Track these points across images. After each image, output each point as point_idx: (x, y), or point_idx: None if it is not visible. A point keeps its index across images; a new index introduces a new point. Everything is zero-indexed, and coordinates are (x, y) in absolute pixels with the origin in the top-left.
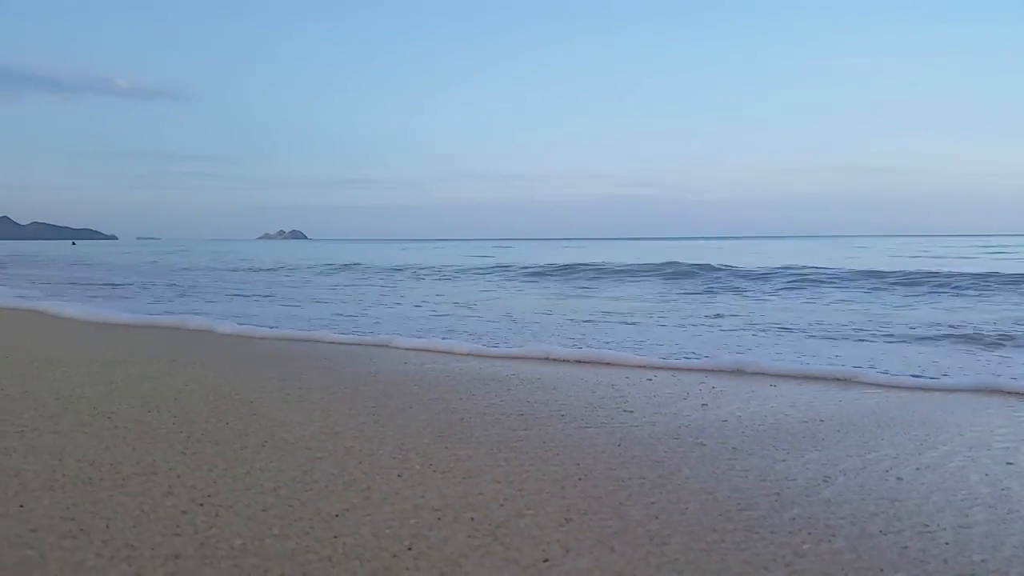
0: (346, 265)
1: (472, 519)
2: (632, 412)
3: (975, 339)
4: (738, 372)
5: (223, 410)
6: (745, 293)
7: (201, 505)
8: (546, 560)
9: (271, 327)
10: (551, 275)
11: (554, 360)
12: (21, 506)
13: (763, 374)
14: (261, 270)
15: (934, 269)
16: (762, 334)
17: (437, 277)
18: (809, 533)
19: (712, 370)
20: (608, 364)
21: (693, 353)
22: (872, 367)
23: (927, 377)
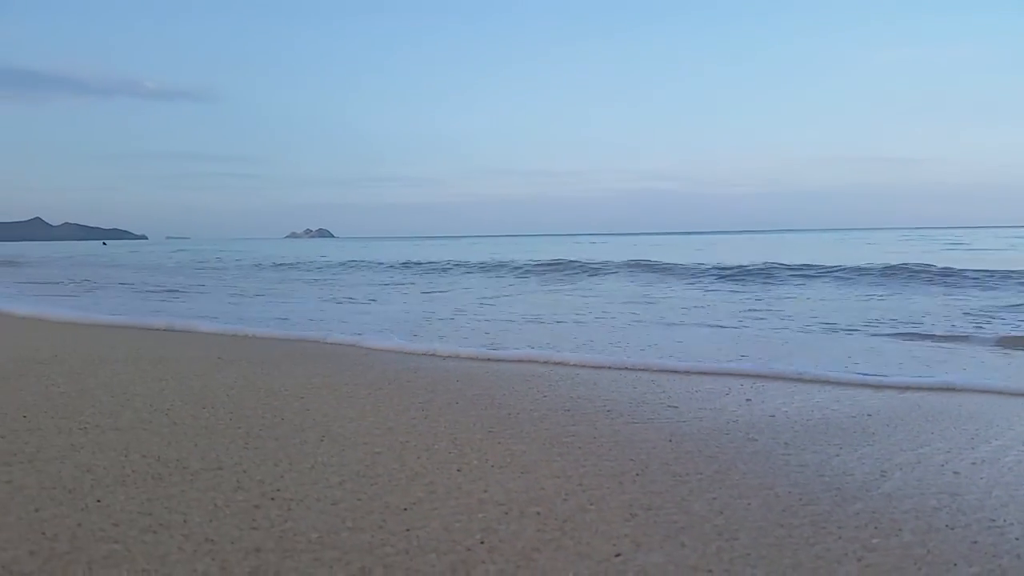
0: (352, 262)
1: (538, 513)
2: (677, 407)
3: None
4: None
5: (276, 406)
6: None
7: (272, 499)
8: (618, 555)
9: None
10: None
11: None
12: (99, 500)
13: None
14: (292, 266)
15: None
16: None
17: (461, 272)
18: (875, 528)
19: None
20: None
21: (743, 356)
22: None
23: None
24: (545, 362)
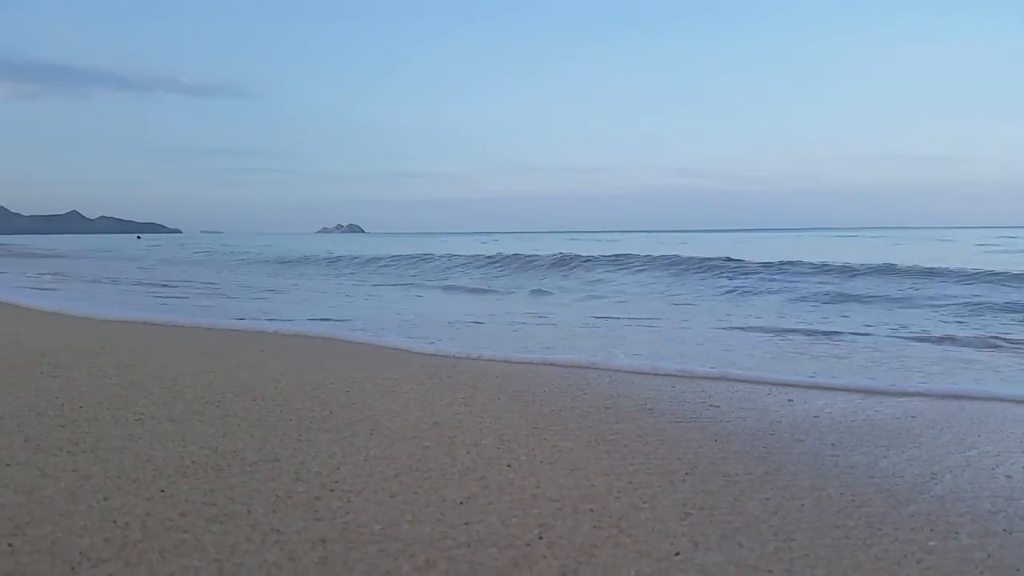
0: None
1: (592, 511)
2: (719, 407)
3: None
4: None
5: (323, 399)
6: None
7: (331, 491)
8: (677, 554)
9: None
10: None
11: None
12: (162, 491)
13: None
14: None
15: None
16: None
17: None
18: (931, 530)
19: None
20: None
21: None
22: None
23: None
24: (606, 368)
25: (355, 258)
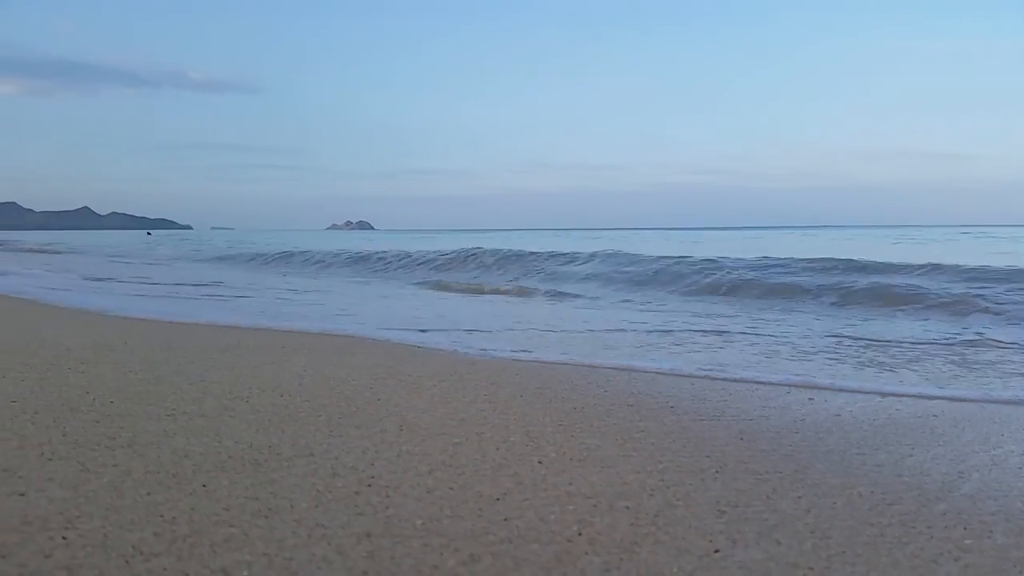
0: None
1: (627, 508)
2: (741, 405)
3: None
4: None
5: (348, 395)
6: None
7: (369, 486)
8: (717, 551)
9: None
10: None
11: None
12: (204, 485)
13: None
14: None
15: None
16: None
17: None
18: (965, 528)
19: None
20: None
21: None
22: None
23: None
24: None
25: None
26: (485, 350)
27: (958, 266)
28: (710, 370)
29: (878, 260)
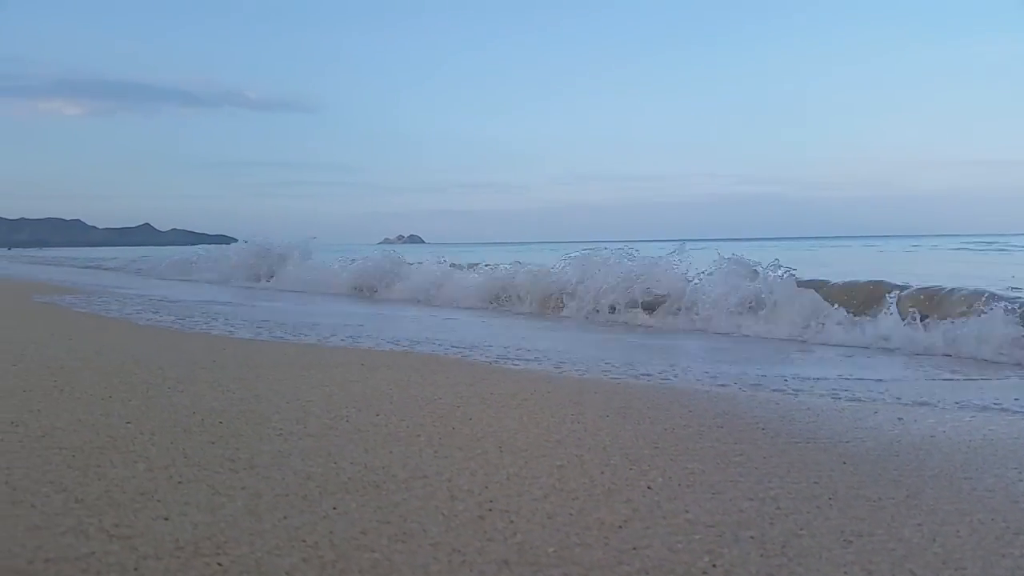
0: None
1: (752, 537)
2: (832, 426)
3: None
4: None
5: (440, 414)
6: None
7: (490, 511)
8: None
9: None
10: None
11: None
12: (334, 508)
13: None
14: None
15: None
16: None
17: None
18: None
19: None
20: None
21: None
22: None
23: None
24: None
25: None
26: (561, 367)
27: None
28: (789, 388)
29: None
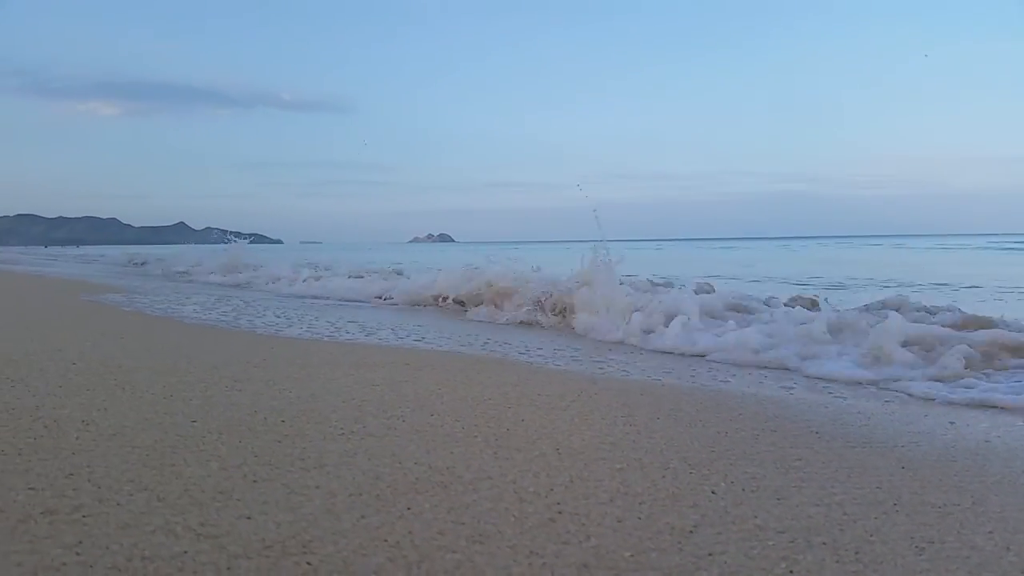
0: None
1: (824, 544)
2: (886, 430)
3: None
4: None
5: (492, 415)
6: None
7: (560, 513)
8: None
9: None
10: None
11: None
12: (408, 508)
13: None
14: None
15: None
16: None
17: None
18: None
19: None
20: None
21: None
22: None
23: None
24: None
25: None
26: (602, 368)
27: None
28: (838, 390)
29: None
